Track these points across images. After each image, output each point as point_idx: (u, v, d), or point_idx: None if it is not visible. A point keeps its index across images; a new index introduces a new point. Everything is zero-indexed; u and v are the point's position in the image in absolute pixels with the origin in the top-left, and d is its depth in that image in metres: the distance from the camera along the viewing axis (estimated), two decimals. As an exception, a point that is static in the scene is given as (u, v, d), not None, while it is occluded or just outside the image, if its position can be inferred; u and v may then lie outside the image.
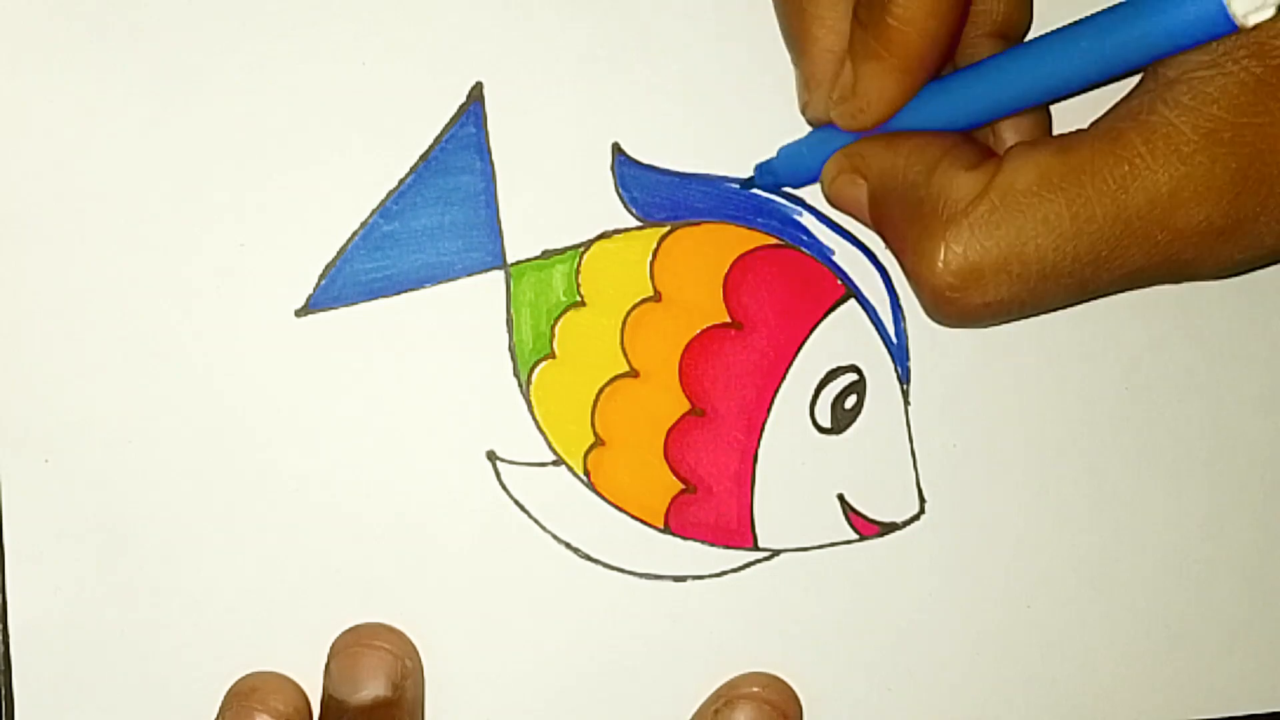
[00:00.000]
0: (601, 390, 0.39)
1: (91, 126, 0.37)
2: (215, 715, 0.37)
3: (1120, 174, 0.31)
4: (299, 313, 0.38)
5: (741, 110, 0.39)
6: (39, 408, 0.37)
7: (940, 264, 0.32)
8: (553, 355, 0.39)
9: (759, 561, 0.39)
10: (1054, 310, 0.34)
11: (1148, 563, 0.40)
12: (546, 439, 0.39)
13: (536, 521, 0.39)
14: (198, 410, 0.38)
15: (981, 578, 0.40)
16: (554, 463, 0.39)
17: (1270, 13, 0.29)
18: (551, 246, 0.39)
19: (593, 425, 0.39)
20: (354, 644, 0.37)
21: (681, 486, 0.39)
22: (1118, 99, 0.33)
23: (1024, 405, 0.40)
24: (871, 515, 0.39)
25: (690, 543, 0.39)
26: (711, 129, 0.39)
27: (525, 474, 0.39)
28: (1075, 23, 0.32)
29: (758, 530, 0.39)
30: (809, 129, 0.37)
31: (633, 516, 0.39)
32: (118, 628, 0.38)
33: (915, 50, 0.33)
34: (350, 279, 0.38)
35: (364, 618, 0.38)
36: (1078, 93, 0.32)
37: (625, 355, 0.39)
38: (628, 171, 0.39)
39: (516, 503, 0.39)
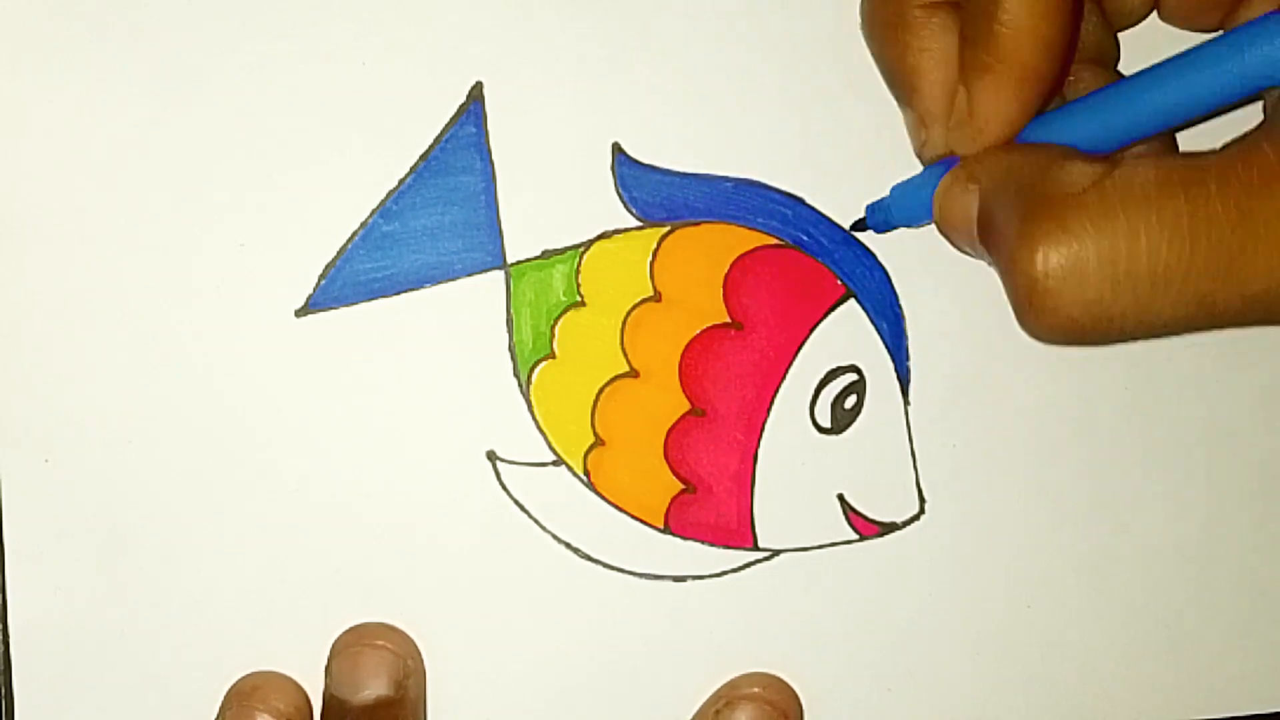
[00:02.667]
0: (601, 390, 0.39)
1: (91, 126, 0.38)
2: (216, 715, 0.37)
3: (1249, 179, 0.29)
4: (299, 313, 0.38)
5: (741, 110, 0.39)
6: (39, 408, 0.37)
7: (1041, 253, 0.29)
8: (553, 355, 0.39)
9: (759, 561, 0.39)
10: (1157, 335, 0.30)
11: (1148, 563, 0.40)
12: (546, 439, 0.39)
13: (536, 521, 0.39)
14: (198, 410, 0.38)
15: (981, 578, 0.40)
16: (554, 463, 0.39)
17: None
18: (551, 246, 0.39)
19: (593, 425, 0.39)
20: (355, 643, 0.37)
21: (681, 486, 0.39)
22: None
23: (1024, 405, 0.40)
24: (871, 515, 0.39)
25: (690, 543, 0.39)
26: (711, 129, 0.39)
27: (525, 474, 0.39)
28: (1198, 46, 0.31)
29: (758, 530, 0.39)
30: (804, 129, 0.37)
31: (633, 516, 0.39)
32: (118, 628, 0.38)
33: (1029, 58, 0.32)
34: (350, 279, 0.38)
35: (364, 617, 0.38)
36: (1202, 119, 0.31)
37: (625, 355, 0.39)
38: (628, 171, 0.39)
39: (516, 503, 0.39)
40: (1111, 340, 0.30)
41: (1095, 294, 0.29)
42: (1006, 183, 0.32)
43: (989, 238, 0.32)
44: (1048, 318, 0.30)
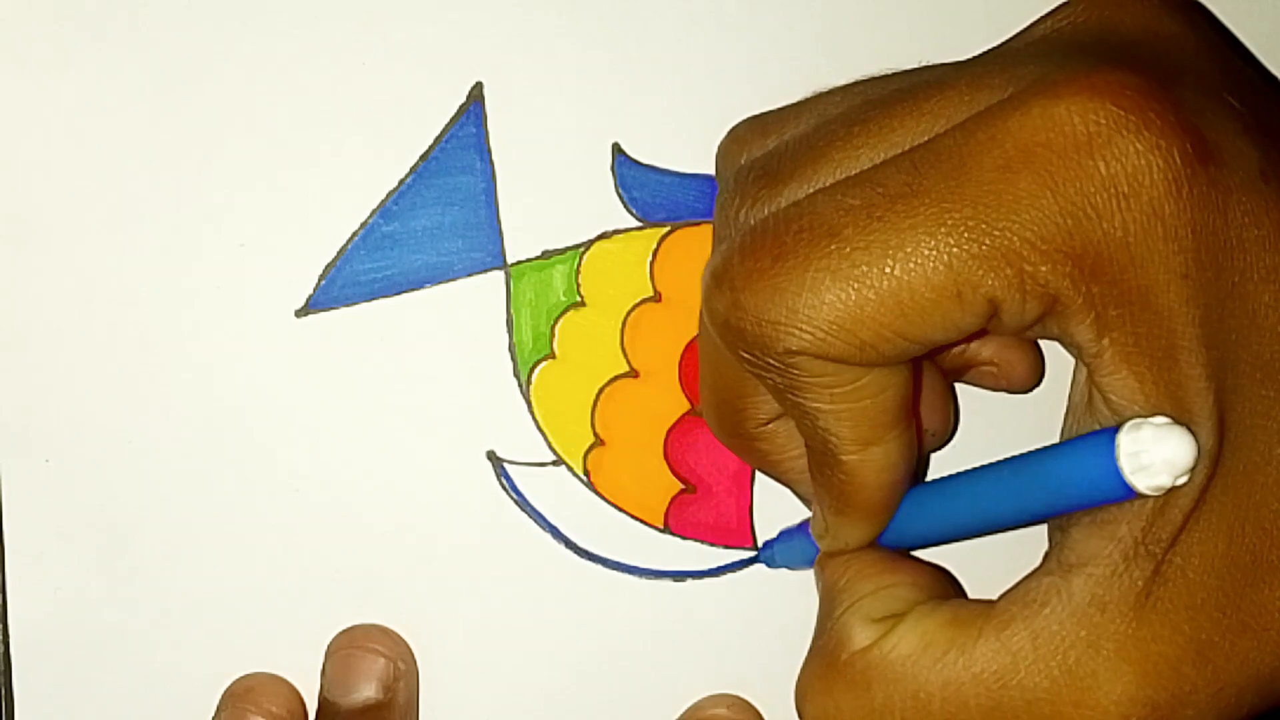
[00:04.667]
0: (601, 390, 0.39)
1: (92, 126, 0.38)
2: (211, 716, 0.37)
3: (1001, 667, 0.30)
4: (299, 313, 0.38)
5: (741, 110, 0.39)
6: (39, 408, 0.37)
7: (808, 704, 0.32)
8: (553, 355, 0.39)
9: (759, 561, 0.39)
10: None
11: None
12: (546, 439, 0.39)
13: (536, 521, 0.39)
14: (198, 410, 0.38)
15: (980, 576, 0.40)
16: (554, 463, 0.39)
17: (1167, 481, 0.28)
18: (551, 246, 0.39)
19: (593, 425, 0.39)
20: (347, 646, 0.37)
21: (681, 486, 0.39)
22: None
23: (1023, 404, 0.40)
24: (872, 515, 0.39)
25: (690, 542, 0.39)
26: (711, 129, 0.39)
27: (525, 474, 0.39)
28: (1006, 461, 0.32)
29: (757, 530, 0.39)
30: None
31: (633, 516, 0.39)
32: (118, 628, 0.38)
33: (874, 503, 0.33)
34: (350, 279, 0.38)
35: (364, 618, 0.38)
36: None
37: (625, 355, 0.39)
38: (628, 171, 0.39)
39: (516, 503, 0.39)
40: None
41: None
42: (821, 603, 0.34)
43: None
44: None
